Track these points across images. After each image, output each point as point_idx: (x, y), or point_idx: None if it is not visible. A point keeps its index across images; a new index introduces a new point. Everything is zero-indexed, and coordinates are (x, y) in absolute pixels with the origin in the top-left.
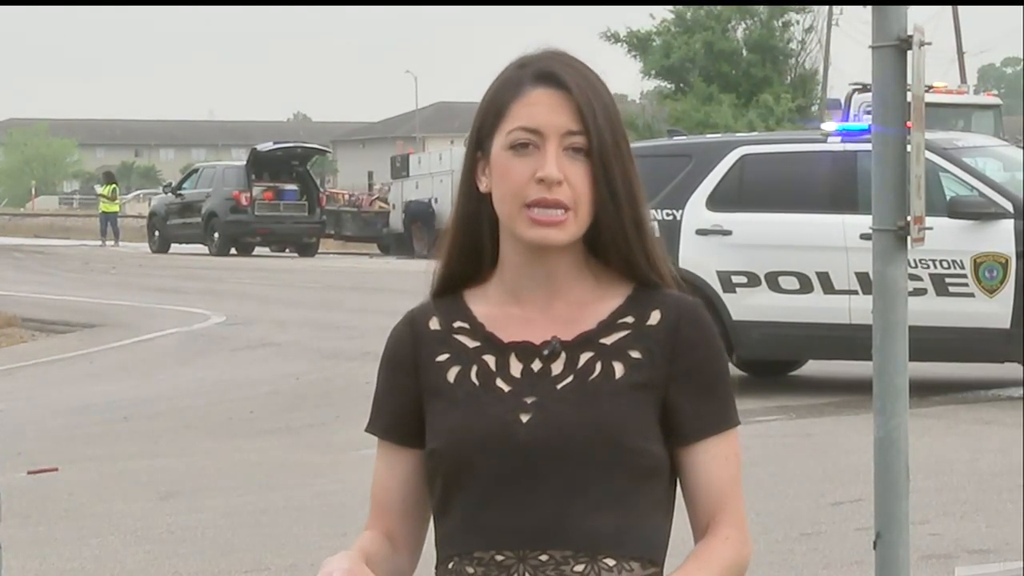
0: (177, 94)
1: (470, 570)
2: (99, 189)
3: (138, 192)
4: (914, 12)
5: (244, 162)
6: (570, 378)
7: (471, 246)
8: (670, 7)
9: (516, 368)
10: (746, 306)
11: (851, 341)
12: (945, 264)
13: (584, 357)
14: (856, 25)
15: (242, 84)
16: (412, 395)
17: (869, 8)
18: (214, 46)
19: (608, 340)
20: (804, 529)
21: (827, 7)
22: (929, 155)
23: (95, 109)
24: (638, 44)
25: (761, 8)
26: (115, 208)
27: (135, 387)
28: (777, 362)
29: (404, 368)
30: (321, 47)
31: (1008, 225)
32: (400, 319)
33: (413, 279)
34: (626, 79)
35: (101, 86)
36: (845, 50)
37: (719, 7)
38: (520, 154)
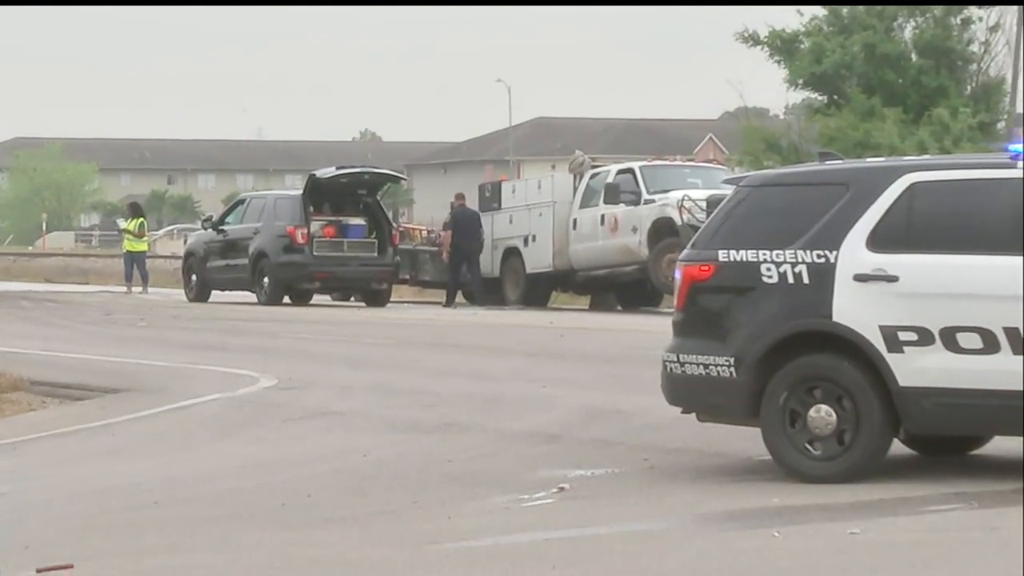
0: (219, 109)
1: None
2: (123, 224)
3: (171, 227)
4: None
5: (300, 191)
6: None
7: None
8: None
9: None
10: (916, 369)
11: None
12: None
13: None
14: None
15: (297, 97)
16: None
17: None
18: (262, 52)
19: None
20: None
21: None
22: None
23: (119, 127)
24: (782, 47)
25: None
26: (143, 247)
27: (167, 465)
28: (955, 438)
29: None
30: (393, 53)
31: None
32: None
33: (505, 334)
34: (767, 90)
35: (125, 99)
36: None
37: None
38: None
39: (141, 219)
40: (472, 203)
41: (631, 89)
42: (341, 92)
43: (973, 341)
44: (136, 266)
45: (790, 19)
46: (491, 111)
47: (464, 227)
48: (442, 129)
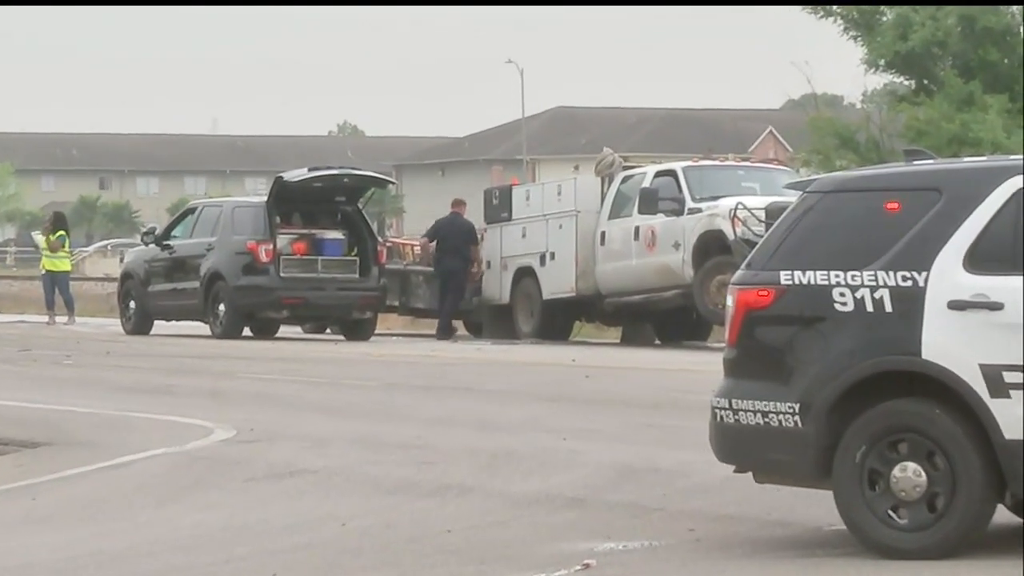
0: (164, 98)
1: None
2: (39, 237)
3: (104, 243)
4: None
5: (264, 198)
6: None
7: None
8: None
9: None
10: None
11: None
12: None
13: None
14: None
15: (260, 84)
16: None
17: None
18: (219, 31)
19: None
20: None
21: None
22: None
23: (40, 119)
24: (860, 20)
25: None
26: (65, 266)
27: (99, 537)
28: None
29: None
30: (378, 29)
31: None
32: None
33: (516, 375)
34: (842, 73)
35: (48, 86)
36: None
37: None
38: None
39: (61, 232)
40: (476, 213)
41: (672, 73)
42: (315, 77)
43: None
44: (58, 289)
45: None
46: (500, 100)
47: (448, 239)
48: (439, 122)
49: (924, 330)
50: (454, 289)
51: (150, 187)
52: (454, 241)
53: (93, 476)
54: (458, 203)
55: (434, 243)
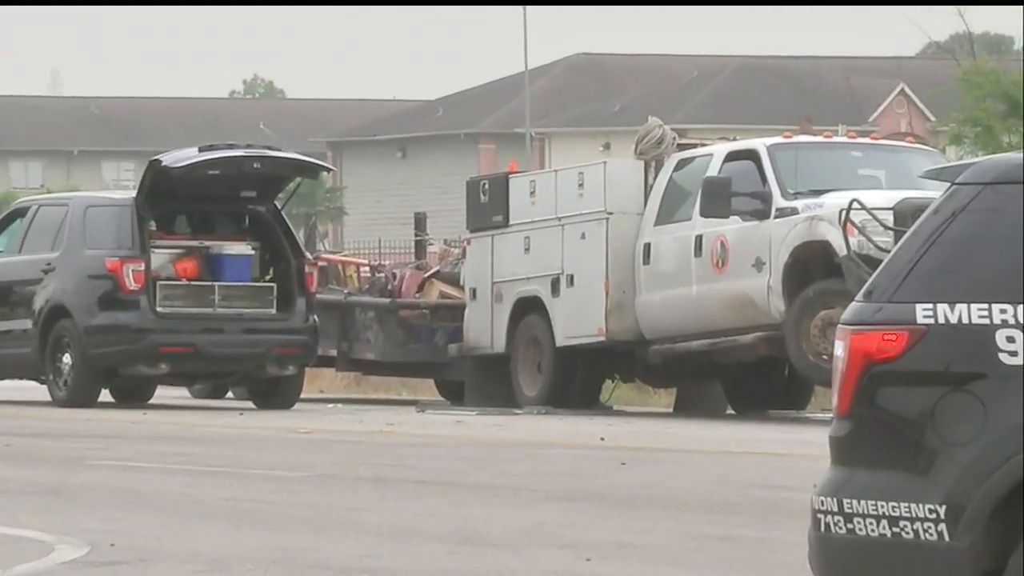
0: None
1: None
2: None
3: None
4: None
5: (132, 192)
6: None
7: None
8: None
9: None
10: None
11: None
12: None
13: None
14: None
15: (124, 23)
16: None
17: None
18: None
19: None
20: None
21: None
22: None
23: None
24: None
25: None
26: None
27: None
28: None
29: None
30: None
31: None
32: None
33: (515, 461)
34: (1008, 6)
35: None
36: None
37: None
38: None
39: None
40: (454, 215)
41: (748, 5)
42: (209, 13)
43: None
44: None
45: None
46: (492, 46)
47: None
48: (398, 79)
49: None
50: None
51: None
52: None
53: None
54: None
55: None
